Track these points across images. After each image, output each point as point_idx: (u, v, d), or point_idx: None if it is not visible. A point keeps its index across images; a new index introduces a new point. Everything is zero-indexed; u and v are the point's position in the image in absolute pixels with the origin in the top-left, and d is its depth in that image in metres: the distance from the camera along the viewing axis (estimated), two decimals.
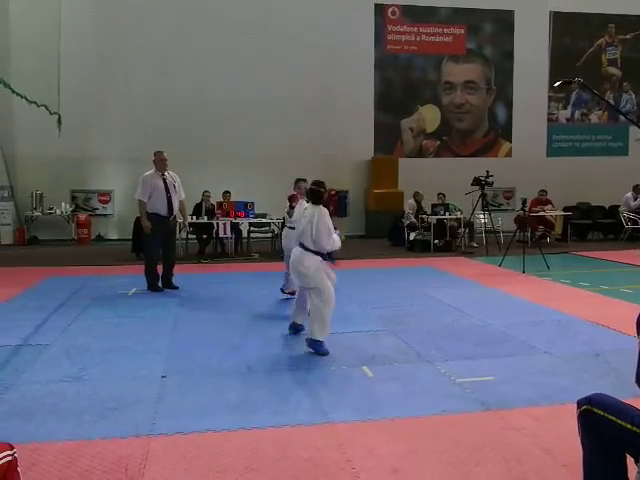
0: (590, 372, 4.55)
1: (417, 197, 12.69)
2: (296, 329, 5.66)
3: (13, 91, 10.85)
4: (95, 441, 3.39)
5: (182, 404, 3.94)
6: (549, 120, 16.07)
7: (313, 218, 5.06)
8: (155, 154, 7.91)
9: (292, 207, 6.59)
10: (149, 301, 7.29)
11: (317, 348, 5.02)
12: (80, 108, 13.03)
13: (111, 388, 4.23)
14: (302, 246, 5.18)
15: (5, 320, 6.22)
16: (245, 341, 5.50)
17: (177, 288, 7.92)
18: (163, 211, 7.73)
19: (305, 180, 6.68)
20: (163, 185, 7.74)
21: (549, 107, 16.04)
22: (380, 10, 14.90)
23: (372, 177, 14.67)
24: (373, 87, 14.96)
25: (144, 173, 7.92)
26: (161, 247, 7.91)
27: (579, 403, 2.51)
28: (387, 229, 13.19)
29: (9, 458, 2.39)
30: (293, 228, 6.29)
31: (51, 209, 13.31)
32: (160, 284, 7.93)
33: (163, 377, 4.48)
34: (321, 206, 5.14)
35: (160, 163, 7.82)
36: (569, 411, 3.13)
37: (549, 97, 15.91)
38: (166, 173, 7.84)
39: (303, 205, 5.70)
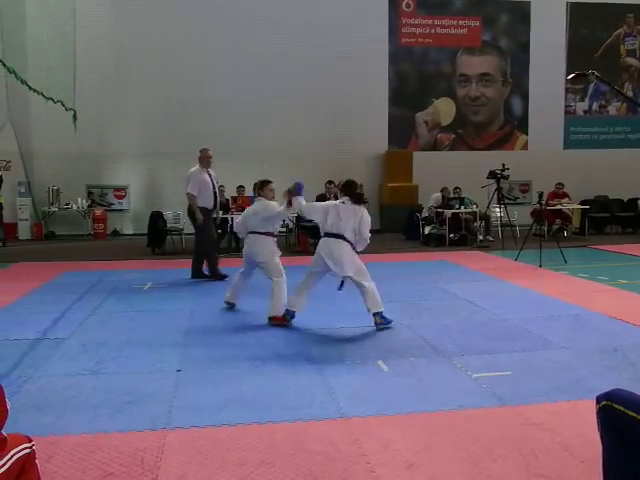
0: (608, 367, 4.49)
1: (444, 192, 12.53)
2: (292, 315, 5.82)
3: (30, 88, 10.90)
4: (112, 434, 3.41)
5: (197, 398, 3.96)
6: (566, 112, 15.84)
7: (357, 215, 5.64)
8: (201, 151, 8.30)
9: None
10: (165, 295, 7.33)
11: (386, 318, 5.63)
12: (96, 104, 13.13)
13: (127, 382, 4.26)
14: (335, 236, 5.58)
15: (23, 314, 6.29)
16: (260, 335, 5.51)
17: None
18: (210, 204, 8.25)
19: (272, 182, 6.37)
20: (210, 180, 8.22)
21: (566, 99, 15.82)
22: (394, 2, 14.78)
23: (386, 171, 14.60)
24: (387, 80, 14.86)
25: (190, 169, 8.26)
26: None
27: (598, 399, 2.47)
28: (402, 223, 13.12)
29: (27, 450, 2.41)
30: (270, 235, 6.20)
31: (67, 204, 13.44)
32: (207, 274, 8.31)
33: (179, 371, 4.50)
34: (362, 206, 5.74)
35: (205, 160, 8.22)
36: (587, 406, 3.10)
37: (566, 89, 15.69)
38: (209, 169, 8.32)
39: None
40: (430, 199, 12.77)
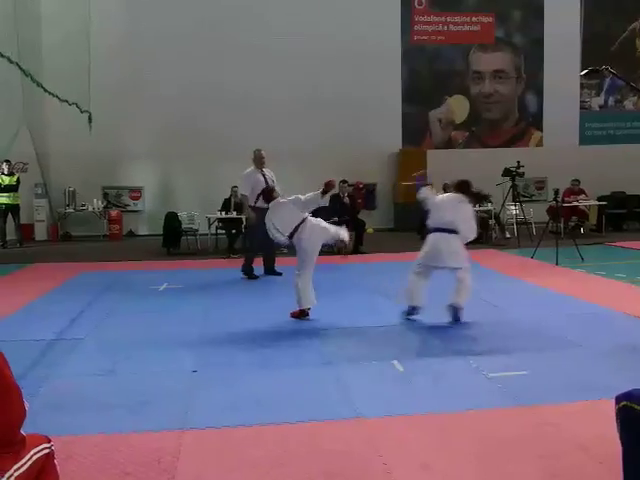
0: (627, 366, 4.42)
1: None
2: (413, 311, 5.87)
3: (45, 90, 11.02)
4: (128, 434, 3.44)
5: (213, 398, 3.97)
6: (582, 108, 15.66)
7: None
8: (254, 152, 8.61)
9: None
10: (180, 296, 7.36)
11: (461, 315, 5.67)
12: (110, 106, 13.21)
13: (143, 382, 4.29)
14: (445, 230, 5.98)
15: (40, 315, 6.36)
16: (275, 336, 5.51)
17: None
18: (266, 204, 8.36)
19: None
20: (264, 180, 8.37)
21: (581, 94, 15.62)
22: (406, 0, 14.71)
23: (400, 169, 14.52)
24: (400, 78, 14.79)
25: (245, 170, 8.55)
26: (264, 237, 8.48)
27: (618, 399, 2.44)
28: (416, 222, 13.04)
29: (47, 450, 2.44)
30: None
31: (83, 206, 13.56)
32: (264, 272, 8.56)
33: (194, 371, 4.52)
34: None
35: (258, 160, 8.50)
36: (606, 406, 3.05)
37: (581, 84, 15.48)
38: (264, 169, 8.50)
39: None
40: None
